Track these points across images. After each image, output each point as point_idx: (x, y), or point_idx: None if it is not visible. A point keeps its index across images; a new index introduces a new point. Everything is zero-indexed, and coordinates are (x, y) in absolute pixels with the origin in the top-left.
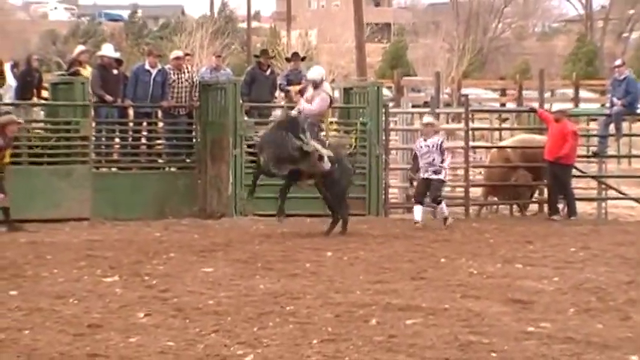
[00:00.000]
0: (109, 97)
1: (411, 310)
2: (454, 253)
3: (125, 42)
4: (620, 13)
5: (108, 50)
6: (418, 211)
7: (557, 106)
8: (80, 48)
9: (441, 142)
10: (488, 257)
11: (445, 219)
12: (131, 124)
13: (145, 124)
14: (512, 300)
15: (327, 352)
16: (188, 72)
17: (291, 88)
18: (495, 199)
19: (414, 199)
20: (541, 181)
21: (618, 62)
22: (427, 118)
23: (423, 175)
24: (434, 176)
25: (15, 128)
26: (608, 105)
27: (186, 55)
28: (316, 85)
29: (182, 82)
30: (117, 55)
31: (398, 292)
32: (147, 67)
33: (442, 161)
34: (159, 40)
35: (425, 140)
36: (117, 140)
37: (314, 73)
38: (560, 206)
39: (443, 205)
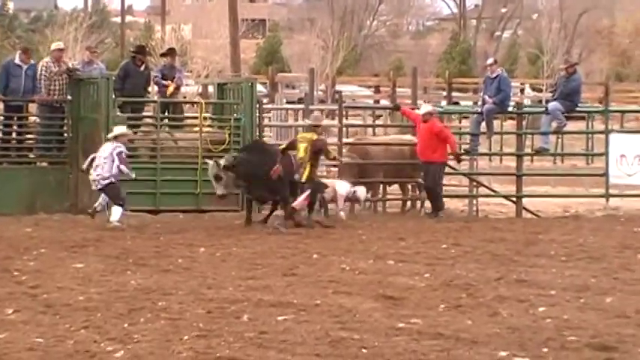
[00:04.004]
0: None
1: (283, 307)
2: (327, 250)
3: None
4: (493, 12)
5: None
6: None
7: (426, 106)
8: None
9: None
10: (360, 253)
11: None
12: (1, 117)
13: (16, 118)
14: (383, 296)
15: (198, 347)
16: (65, 64)
17: (166, 83)
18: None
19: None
20: (401, 178)
21: (490, 61)
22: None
23: None
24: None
25: None
26: (479, 103)
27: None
28: None
29: (62, 75)
30: None
31: (270, 288)
32: (17, 61)
33: None
34: (30, 34)
35: None
36: None
37: None
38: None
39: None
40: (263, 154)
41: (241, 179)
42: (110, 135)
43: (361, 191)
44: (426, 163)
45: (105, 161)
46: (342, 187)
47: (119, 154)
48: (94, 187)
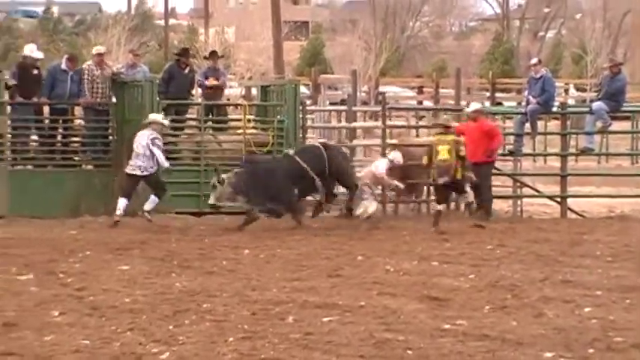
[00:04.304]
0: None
1: (328, 308)
2: (371, 251)
3: (40, 39)
4: (536, 12)
5: (30, 50)
6: None
7: (474, 104)
8: None
9: None
10: (405, 255)
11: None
12: (47, 121)
13: (61, 121)
14: (428, 297)
15: (243, 349)
16: (108, 68)
17: (207, 82)
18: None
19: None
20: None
21: (534, 61)
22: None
23: None
24: None
25: None
26: (523, 103)
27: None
28: None
29: (104, 78)
30: (40, 55)
31: (314, 290)
32: (64, 67)
33: None
34: (74, 37)
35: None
36: (33, 138)
37: None
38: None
39: None
40: (265, 166)
41: (241, 194)
42: (145, 120)
43: (396, 155)
44: (476, 165)
45: (143, 150)
46: (381, 165)
47: (154, 140)
48: (129, 171)
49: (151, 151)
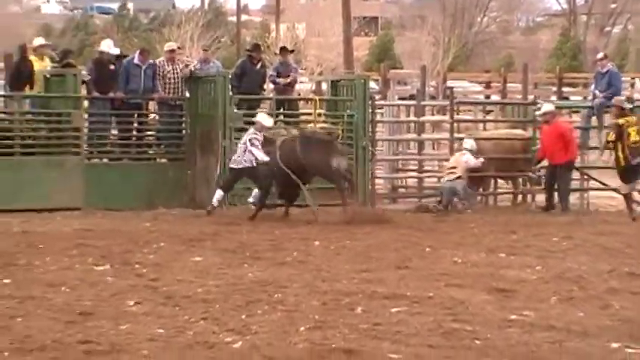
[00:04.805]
0: (95, 93)
1: (396, 299)
2: (438, 243)
3: (116, 35)
4: (603, 7)
5: (107, 46)
6: None
7: (546, 105)
8: (40, 41)
9: None
10: (472, 247)
11: None
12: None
13: (135, 116)
14: (495, 289)
15: (314, 339)
16: (182, 64)
17: (280, 80)
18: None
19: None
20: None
21: (600, 55)
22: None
23: None
24: None
25: None
26: (590, 97)
27: (178, 48)
28: None
29: (176, 74)
30: (116, 51)
31: (383, 281)
32: (137, 61)
33: None
34: (149, 33)
35: None
36: (109, 132)
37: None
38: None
39: None
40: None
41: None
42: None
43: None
44: (555, 166)
45: (242, 146)
46: (470, 159)
47: (252, 140)
48: (231, 165)
49: (246, 147)
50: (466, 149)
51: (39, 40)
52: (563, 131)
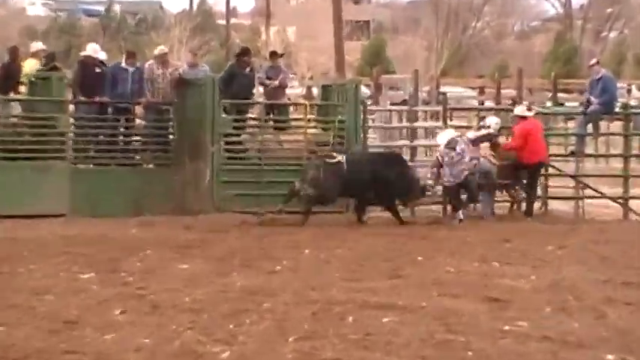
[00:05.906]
0: (82, 97)
1: (388, 309)
2: (431, 252)
3: (102, 38)
4: (599, 12)
5: (93, 50)
6: None
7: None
8: (39, 45)
9: None
10: (465, 255)
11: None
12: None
13: (122, 120)
14: (488, 298)
15: (303, 349)
16: (171, 67)
17: (268, 82)
18: None
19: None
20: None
21: (593, 61)
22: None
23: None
24: None
25: None
26: (584, 103)
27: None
28: None
29: (166, 78)
30: (102, 55)
31: (374, 290)
32: (123, 65)
33: None
34: (136, 36)
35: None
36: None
37: None
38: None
39: None
40: None
41: None
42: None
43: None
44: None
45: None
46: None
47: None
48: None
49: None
50: (483, 127)
51: (38, 45)
52: (526, 132)
